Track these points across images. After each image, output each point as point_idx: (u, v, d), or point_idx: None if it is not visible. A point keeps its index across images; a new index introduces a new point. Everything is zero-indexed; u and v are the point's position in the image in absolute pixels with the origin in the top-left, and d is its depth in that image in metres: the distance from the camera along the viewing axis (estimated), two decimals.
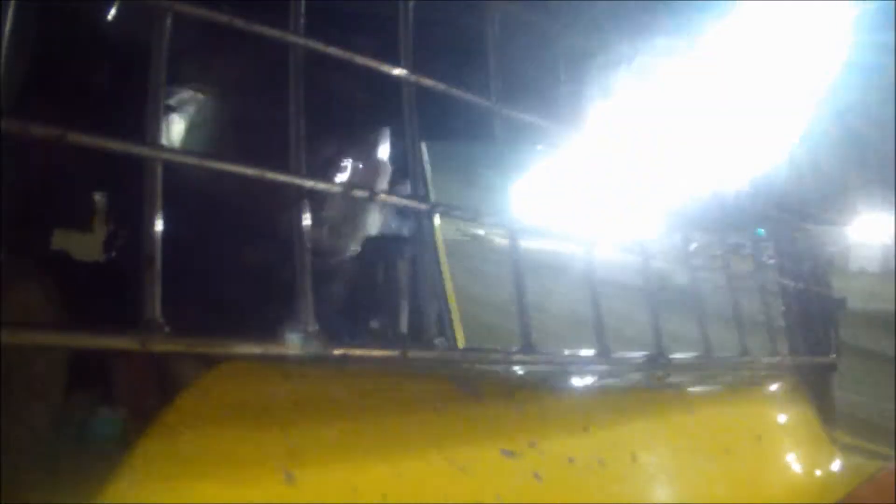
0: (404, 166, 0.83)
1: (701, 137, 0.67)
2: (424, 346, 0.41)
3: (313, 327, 0.37)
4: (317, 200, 0.74)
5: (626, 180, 0.58)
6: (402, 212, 0.98)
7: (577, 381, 0.49)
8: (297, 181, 0.37)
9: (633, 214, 0.60)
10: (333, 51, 0.39)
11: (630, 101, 0.57)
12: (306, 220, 0.38)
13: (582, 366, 0.50)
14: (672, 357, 0.52)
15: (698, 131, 0.67)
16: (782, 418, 0.68)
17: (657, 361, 0.52)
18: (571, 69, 0.51)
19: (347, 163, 0.77)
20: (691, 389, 0.58)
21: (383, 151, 0.82)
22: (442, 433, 0.39)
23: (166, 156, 0.33)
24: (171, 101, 0.75)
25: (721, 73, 0.70)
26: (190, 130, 0.73)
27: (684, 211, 0.66)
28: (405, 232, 1.03)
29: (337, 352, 0.37)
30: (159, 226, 0.32)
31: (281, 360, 0.36)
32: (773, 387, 0.68)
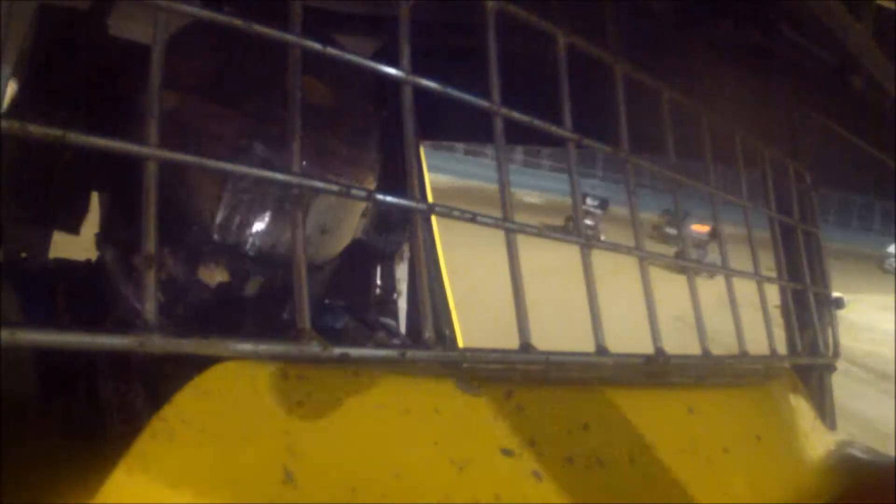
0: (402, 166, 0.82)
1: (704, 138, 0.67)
2: (423, 345, 0.41)
3: (312, 327, 0.37)
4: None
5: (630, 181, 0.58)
6: (400, 212, 0.98)
7: (576, 381, 0.49)
8: (297, 181, 0.37)
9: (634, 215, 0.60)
10: (331, 51, 0.39)
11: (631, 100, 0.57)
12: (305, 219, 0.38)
13: (581, 365, 0.50)
14: (671, 356, 0.52)
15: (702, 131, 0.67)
16: (782, 418, 0.68)
17: (656, 361, 0.52)
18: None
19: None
20: (690, 389, 0.58)
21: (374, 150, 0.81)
22: (441, 433, 0.39)
23: (166, 156, 0.33)
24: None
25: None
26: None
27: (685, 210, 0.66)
28: (403, 232, 1.03)
29: (336, 352, 0.37)
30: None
31: (280, 360, 0.36)
32: (773, 387, 0.68)
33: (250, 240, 0.71)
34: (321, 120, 0.73)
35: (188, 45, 0.72)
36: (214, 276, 0.71)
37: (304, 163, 0.70)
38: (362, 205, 0.83)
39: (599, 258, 0.51)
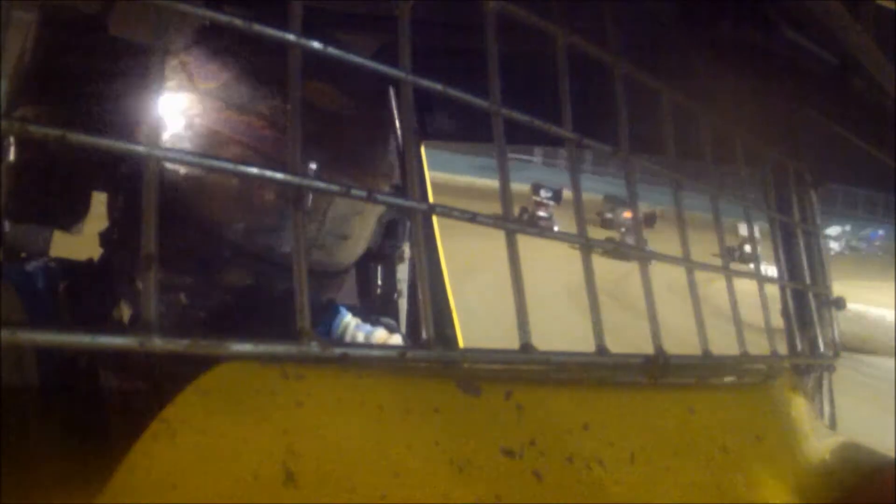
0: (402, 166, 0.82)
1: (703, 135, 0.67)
2: (423, 345, 0.41)
3: (312, 327, 0.37)
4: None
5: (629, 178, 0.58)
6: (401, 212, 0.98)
7: (577, 381, 0.49)
8: (297, 181, 0.37)
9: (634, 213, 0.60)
10: (332, 51, 0.39)
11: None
12: (306, 219, 0.38)
13: (581, 365, 0.50)
14: (671, 357, 0.53)
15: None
16: (782, 418, 0.68)
17: (656, 361, 0.52)
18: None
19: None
20: (690, 389, 0.58)
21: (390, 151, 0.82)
22: (442, 433, 0.39)
23: (166, 156, 0.33)
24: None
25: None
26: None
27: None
28: (404, 232, 1.03)
29: (336, 352, 0.37)
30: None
31: (281, 360, 0.36)
32: (773, 387, 0.68)
33: (275, 245, 0.71)
34: (338, 126, 0.74)
35: (202, 49, 0.72)
36: (239, 277, 0.71)
37: (317, 168, 0.71)
38: (379, 211, 0.83)
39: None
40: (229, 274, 0.72)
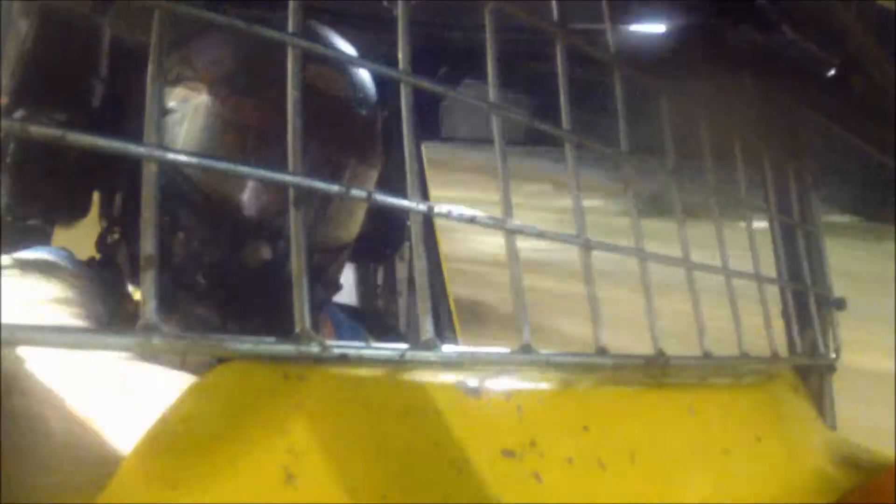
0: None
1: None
2: (423, 345, 0.41)
3: (312, 327, 0.37)
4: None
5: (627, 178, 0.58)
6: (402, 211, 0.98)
7: (577, 381, 0.49)
8: (296, 180, 0.37)
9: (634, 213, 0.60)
10: (332, 51, 0.39)
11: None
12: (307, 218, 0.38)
13: (581, 366, 0.50)
14: (671, 357, 0.52)
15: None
16: (782, 418, 0.68)
17: (656, 361, 0.52)
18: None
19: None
20: (690, 389, 0.58)
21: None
22: (441, 433, 0.39)
23: (166, 156, 0.33)
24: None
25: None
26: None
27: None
28: (404, 231, 1.03)
29: (336, 352, 0.37)
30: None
31: (281, 360, 0.36)
32: (773, 387, 0.68)
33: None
34: (339, 110, 0.75)
35: (211, 37, 0.74)
36: (258, 255, 0.73)
37: (323, 152, 0.72)
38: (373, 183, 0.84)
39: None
40: (249, 252, 0.73)
